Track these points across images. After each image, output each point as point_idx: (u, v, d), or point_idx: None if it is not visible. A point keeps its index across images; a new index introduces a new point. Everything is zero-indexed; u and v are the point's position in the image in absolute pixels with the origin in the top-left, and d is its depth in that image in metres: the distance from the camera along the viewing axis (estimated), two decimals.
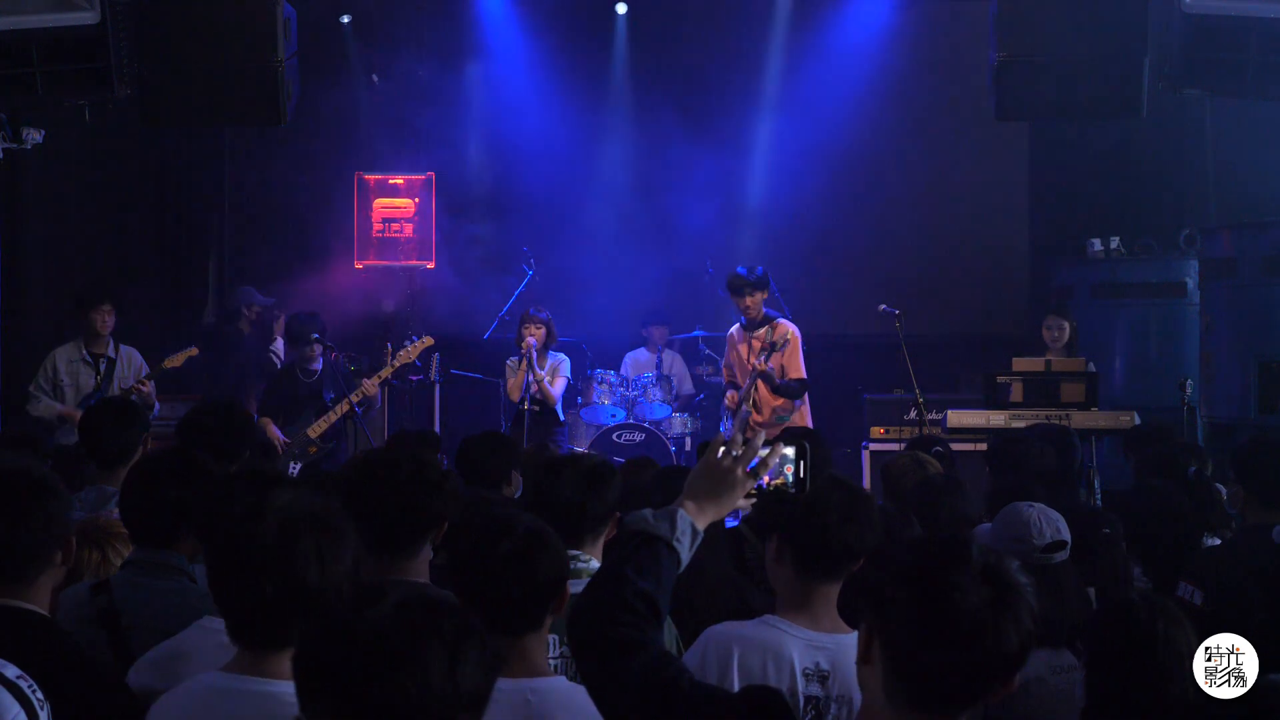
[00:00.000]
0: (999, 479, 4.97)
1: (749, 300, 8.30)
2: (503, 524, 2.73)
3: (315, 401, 8.30)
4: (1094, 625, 2.90)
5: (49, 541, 2.78)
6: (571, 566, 3.22)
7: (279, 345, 9.57)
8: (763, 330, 8.40)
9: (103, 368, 7.78)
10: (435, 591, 2.86)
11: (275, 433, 8.16)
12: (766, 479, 2.32)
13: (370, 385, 8.40)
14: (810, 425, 8.32)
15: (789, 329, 8.35)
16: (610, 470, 3.45)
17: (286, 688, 1.87)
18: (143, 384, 7.71)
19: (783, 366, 8.22)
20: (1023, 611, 1.82)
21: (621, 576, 2.16)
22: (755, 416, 8.34)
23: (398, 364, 8.56)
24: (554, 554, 2.70)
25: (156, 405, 7.85)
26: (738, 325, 8.55)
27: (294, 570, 2.29)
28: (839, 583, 2.93)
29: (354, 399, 8.23)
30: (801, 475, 2.38)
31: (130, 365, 7.92)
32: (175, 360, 7.97)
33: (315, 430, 8.20)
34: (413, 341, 8.64)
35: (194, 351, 8.10)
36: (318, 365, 8.38)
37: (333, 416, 8.22)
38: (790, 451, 2.37)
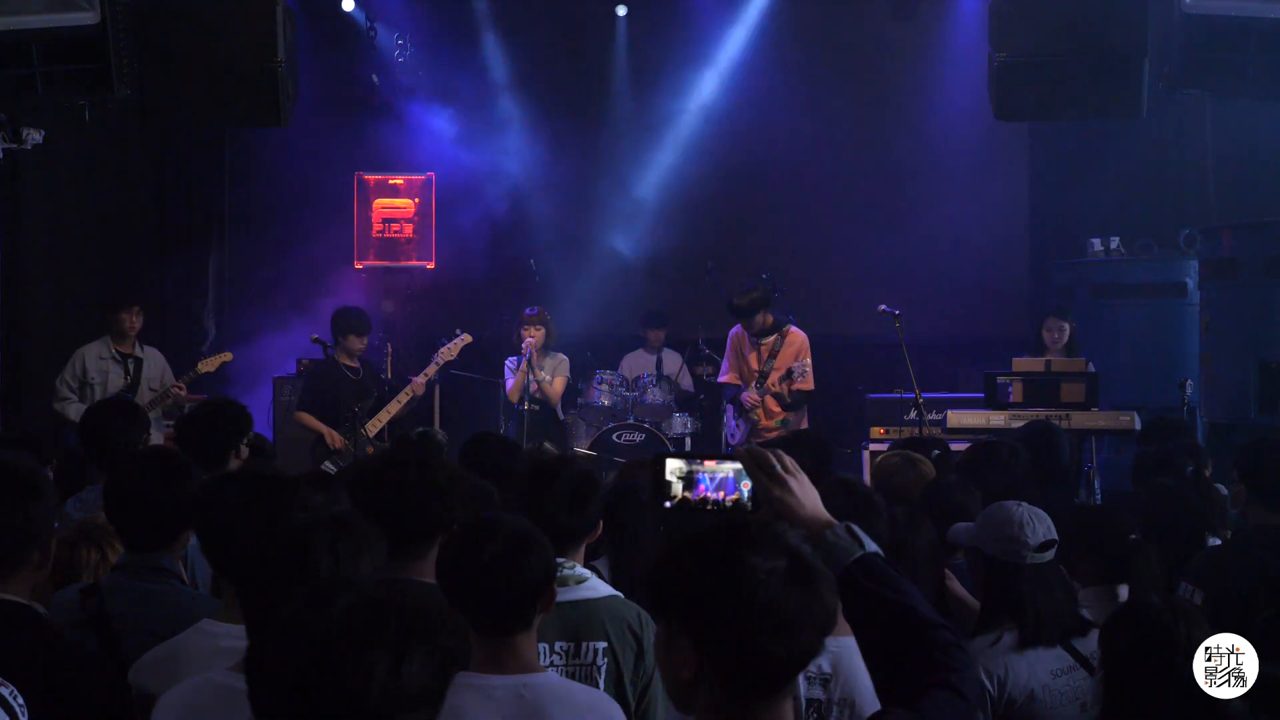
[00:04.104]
0: (979, 484, 4.92)
1: (757, 320, 8.36)
2: (488, 526, 2.74)
3: (362, 400, 8.20)
4: (1113, 627, 2.89)
5: (24, 540, 2.78)
6: (558, 575, 3.23)
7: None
8: (772, 338, 8.41)
9: (131, 367, 7.79)
10: (406, 591, 2.86)
11: (319, 425, 8.10)
12: (722, 494, 2.22)
13: (419, 383, 8.39)
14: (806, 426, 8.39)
15: (801, 343, 8.38)
16: (593, 484, 3.43)
17: None
18: (180, 388, 7.73)
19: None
20: (820, 574, 1.83)
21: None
22: (764, 420, 8.40)
23: (441, 362, 8.53)
24: (540, 555, 2.72)
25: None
26: (740, 327, 8.56)
27: (312, 569, 2.32)
28: None
29: (404, 398, 8.23)
30: (757, 494, 2.24)
31: (156, 365, 7.94)
32: (209, 365, 8.04)
33: (371, 429, 8.17)
34: (452, 340, 8.60)
35: (228, 356, 8.21)
36: (359, 364, 8.33)
37: (385, 416, 8.18)
38: (740, 466, 2.23)
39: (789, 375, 8.25)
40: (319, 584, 1.96)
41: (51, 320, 9.26)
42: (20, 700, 2.24)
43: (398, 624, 1.68)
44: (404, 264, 10.78)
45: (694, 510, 2.22)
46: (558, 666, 3.16)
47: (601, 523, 3.46)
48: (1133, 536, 3.81)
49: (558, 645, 3.19)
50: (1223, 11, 6.75)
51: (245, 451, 4.72)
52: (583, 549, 3.42)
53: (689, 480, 2.22)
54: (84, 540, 3.58)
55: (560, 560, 3.26)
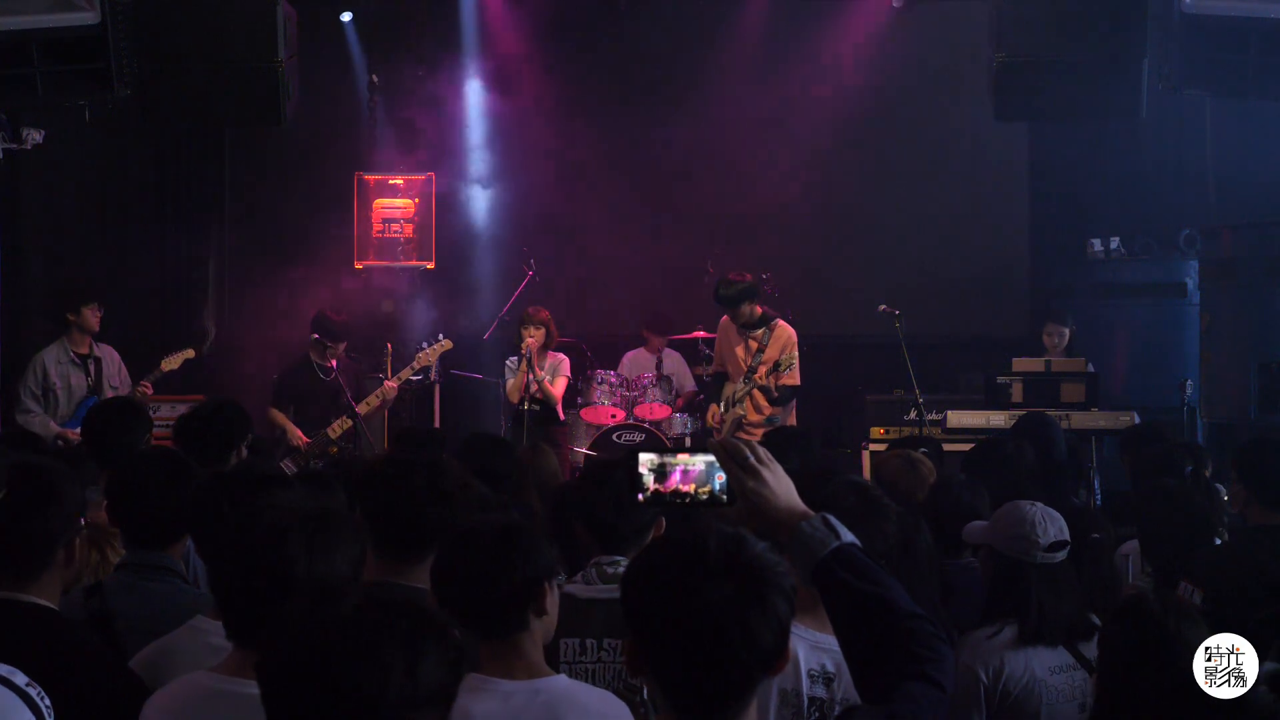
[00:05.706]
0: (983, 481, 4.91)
1: (744, 310, 8.32)
2: (476, 527, 2.72)
3: (333, 400, 8.28)
4: (1111, 625, 2.89)
5: (45, 542, 2.79)
6: (610, 572, 3.23)
7: None
8: (760, 331, 8.39)
9: (92, 368, 7.73)
10: (406, 594, 2.86)
11: (284, 422, 8.15)
12: (694, 487, 2.18)
13: (391, 386, 8.41)
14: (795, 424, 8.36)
15: (789, 337, 8.33)
16: None
17: None
18: (146, 386, 7.67)
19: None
20: (772, 599, 1.77)
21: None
22: (752, 415, 8.36)
23: (418, 365, 8.55)
24: (526, 555, 2.67)
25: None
26: (728, 319, 8.55)
27: (285, 567, 2.30)
28: None
29: (374, 401, 8.25)
30: (731, 486, 2.20)
31: (112, 363, 7.87)
32: (173, 362, 7.93)
33: (336, 430, 8.20)
34: (432, 344, 8.61)
35: (190, 353, 8.07)
36: (334, 364, 8.38)
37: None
38: (714, 458, 2.19)
39: (775, 368, 8.21)
40: (324, 586, 1.94)
41: (51, 320, 9.25)
42: (47, 701, 2.25)
43: (409, 623, 1.68)
44: (404, 264, 10.77)
45: (667, 503, 2.18)
46: (606, 664, 3.15)
47: (663, 520, 3.38)
48: (1095, 536, 3.83)
49: (605, 642, 3.17)
50: (1223, 11, 6.75)
51: (244, 452, 4.74)
52: None
53: (661, 473, 2.17)
54: (84, 541, 3.59)
55: (618, 558, 3.27)
